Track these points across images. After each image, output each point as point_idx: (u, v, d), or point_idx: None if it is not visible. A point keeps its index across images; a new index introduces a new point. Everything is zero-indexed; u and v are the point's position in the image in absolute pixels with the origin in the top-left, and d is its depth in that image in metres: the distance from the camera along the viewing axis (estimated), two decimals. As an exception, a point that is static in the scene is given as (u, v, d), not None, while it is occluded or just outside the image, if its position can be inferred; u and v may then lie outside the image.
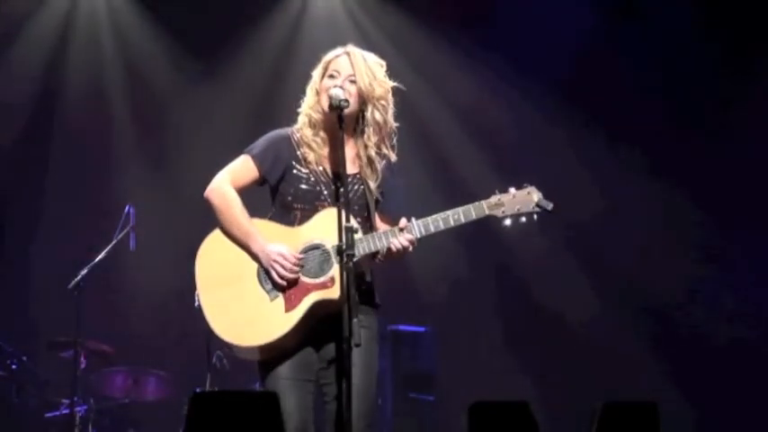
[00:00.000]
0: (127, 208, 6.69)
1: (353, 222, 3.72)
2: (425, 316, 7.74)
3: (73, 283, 6.42)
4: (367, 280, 3.96)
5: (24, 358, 6.83)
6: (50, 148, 7.98)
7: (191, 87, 8.11)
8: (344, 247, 3.59)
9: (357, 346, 3.50)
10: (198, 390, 6.13)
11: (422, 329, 7.61)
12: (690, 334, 7.52)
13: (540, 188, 3.93)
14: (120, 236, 6.61)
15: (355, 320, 3.50)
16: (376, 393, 3.95)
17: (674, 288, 7.61)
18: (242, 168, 4.01)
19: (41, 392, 6.94)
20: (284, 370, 3.86)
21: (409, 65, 7.30)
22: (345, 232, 3.60)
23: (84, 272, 6.43)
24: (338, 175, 3.87)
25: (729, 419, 7.13)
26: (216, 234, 3.98)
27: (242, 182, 4.01)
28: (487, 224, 3.99)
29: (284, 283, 3.83)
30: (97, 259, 6.51)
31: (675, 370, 7.42)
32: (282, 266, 3.82)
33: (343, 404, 3.50)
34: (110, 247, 6.58)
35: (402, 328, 7.49)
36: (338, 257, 3.72)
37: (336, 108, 3.80)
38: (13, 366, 6.74)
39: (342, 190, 3.75)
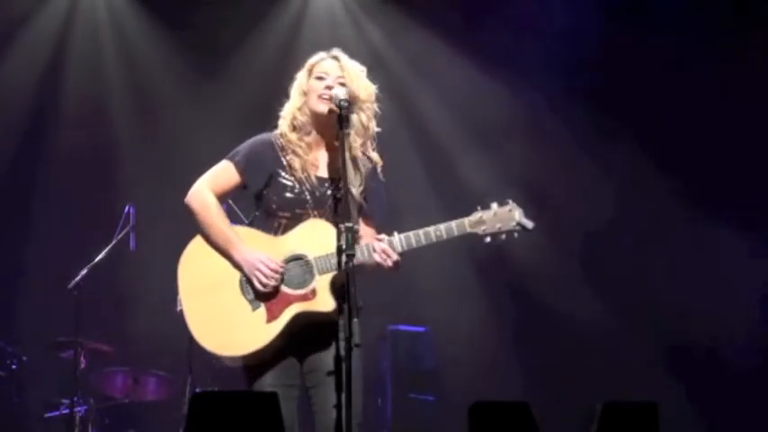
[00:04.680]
0: (127, 208, 6.69)
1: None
2: (425, 316, 7.74)
3: (73, 283, 6.43)
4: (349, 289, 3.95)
5: (24, 358, 6.83)
6: (50, 148, 7.97)
7: (191, 87, 8.10)
8: (344, 246, 3.56)
9: (357, 346, 3.51)
10: (198, 390, 6.14)
11: (422, 329, 7.61)
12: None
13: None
14: (120, 236, 6.62)
15: (355, 320, 3.50)
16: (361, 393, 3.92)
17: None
18: (222, 174, 4.01)
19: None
20: (268, 376, 3.87)
21: (409, 64, 7.29)
22: (346, 232, 3.58)
23: (84, 272, 6.44)
24: (323, 180, 3.92)
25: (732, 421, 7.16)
26: (198, 239, 3.99)
27: (222, 188, 4.01)
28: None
29: (265, 290, 3.83)
30: (97, 259, 6.52)
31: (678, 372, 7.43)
32: (264, 274, 3.82)
33: (344, 405, 3.50)
34: (110, 247, 6.58)
35: (402, 328, 7.50)
36: (320, 269, 3.79)
37: (338, 108, 3.79)
38: (13, 366, 6.74)
39: (342, 191, 3.75)
